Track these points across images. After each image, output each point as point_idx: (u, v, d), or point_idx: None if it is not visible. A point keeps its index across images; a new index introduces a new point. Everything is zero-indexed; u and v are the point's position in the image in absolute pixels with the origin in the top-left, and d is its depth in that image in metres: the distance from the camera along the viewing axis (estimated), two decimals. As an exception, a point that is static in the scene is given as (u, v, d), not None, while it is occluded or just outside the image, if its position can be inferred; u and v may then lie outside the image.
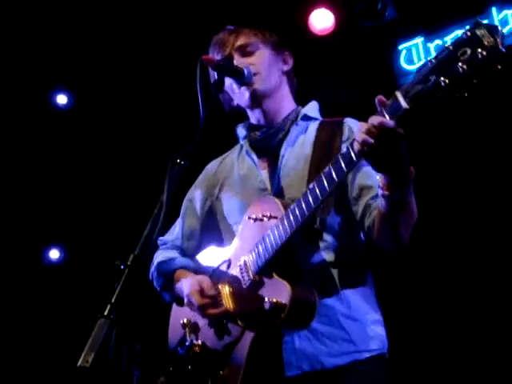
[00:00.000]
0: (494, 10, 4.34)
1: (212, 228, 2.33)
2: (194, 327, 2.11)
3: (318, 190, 1.81)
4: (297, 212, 1.86)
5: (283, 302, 1.84)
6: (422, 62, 1.52)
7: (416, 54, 4.54)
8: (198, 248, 2.37)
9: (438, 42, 4.48)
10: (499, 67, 1.39)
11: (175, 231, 2.41)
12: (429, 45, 4.47)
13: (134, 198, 4.56)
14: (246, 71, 2.14)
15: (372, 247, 2.13)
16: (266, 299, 1.87)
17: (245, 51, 2.22)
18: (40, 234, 4.99)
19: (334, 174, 1.76)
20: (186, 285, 2.12)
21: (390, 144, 1.59)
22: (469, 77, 1.41)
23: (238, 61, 2.18)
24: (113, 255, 1.55)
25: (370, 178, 1.99)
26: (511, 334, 3.97)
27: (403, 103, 1.53)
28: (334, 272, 2.02)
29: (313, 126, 2.20)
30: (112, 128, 4.89)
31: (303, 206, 1.85)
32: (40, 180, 4.92)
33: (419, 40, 4.51)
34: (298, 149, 2.16)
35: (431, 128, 4.17)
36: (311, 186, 1.84)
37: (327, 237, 2.03)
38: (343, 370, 1.96)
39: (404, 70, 4.59)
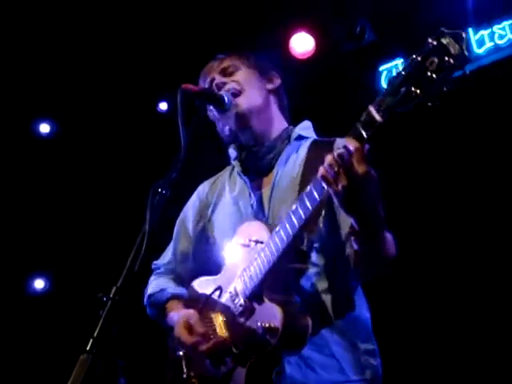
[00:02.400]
0: (470, 30, 4.41)
1: (205, 250, 2.30)
2: (189, 360, 2.08)
3: (301, 211, 1.78)
4: (282, 234, 1.84)
5: (275, 325, 1.82)
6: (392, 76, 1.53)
7: (395, 68, 4.60)
8: (192, 270, 2.33)
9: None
10: (467, 73, 1.43)
11: (168, 255, 2.39)
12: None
13: (118, 225, 4.53)
14: (226, 98, 2.13)
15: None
16: (259, 324, 1.84)
17: (226, 72, 2.22)
18: (24, 263, 4.93)
19: (315, 192, 1.74)
20: (175, 322, 2.10)
21: (355, 172, 1.58)
22: (438, 85, 1.43)
23: (217, 80, 2.19)
24: (98, 284, 1.53)
25: None
26: (508, 340, 3.96)
27: (377, 117, 1.53)
28: (327, 299, 2.00)
29: (304, 146, 2.18)
30: (95, 157, 4.87)
31: (287, 227, 1.83)
32: (24, 208, 4.88)
33: (399, 61, 4.56)
34: (289, 169, 2.13)
35: (427, 131, 4.22)
36: (294, 206, 1.82)
37: (318, 260, 2.01)
38: None
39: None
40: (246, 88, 2.18)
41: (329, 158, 1.61)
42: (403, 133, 4.40)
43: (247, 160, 2.22)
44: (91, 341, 1.39)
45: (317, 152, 2.09)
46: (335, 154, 1.60)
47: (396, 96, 1.49)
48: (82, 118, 4.88)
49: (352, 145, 1.58)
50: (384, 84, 4.60)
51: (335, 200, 1.68)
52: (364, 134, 1.55)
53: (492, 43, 4.37)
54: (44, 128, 4.96)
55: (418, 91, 1.45)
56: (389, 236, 1.83)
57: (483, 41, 4.38)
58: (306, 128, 2.26)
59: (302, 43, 4.65)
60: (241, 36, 4.45)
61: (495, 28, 4.38)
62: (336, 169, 1.60)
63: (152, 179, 1.82)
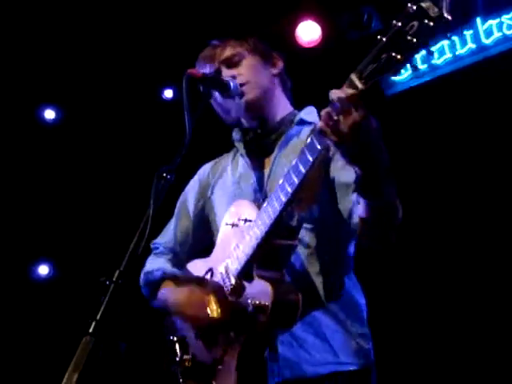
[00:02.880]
0: (478, 20, 4.38)
1: (205, 230, 2.32)
2: (182, 342, 2.10)
3: (287, 185, 1.78)
4: (269, 210, 1.84)
5: (265, 302, 1.82)
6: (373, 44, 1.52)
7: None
8: (191, 249, 2.35)
9: (423, 52, 4.51)
10: (448, 35, 1.44)
11: (168, 233, 2.40)
12: (414, 55, 4.49)
13: (123, 211, 4.54)
14: (232, 84, 2.13)
15: (361, 254, 2.12)
16: (249, 301, 1.85)
17: (231, 62, 2.20)
18: (28, 249, 4.95)
19: (300, 165, 1.74)
20: (169, 298, 2.13)
21: (353, 118, 1.55)
22: (419, 48, 1.45)
23: (225, 73, 2.18)
24: (101, 270, 1.54)
25: (351, 174, 1.85)
26: (507, 340, 3.97)
27: (359, 84, 1.53)
28: (318, 281, 2.00)
29: (306, 130, 2.18)
30: (99, 143, 4.88)
31: (274, 202, 1.82)
32: (28, 195, 4.89)
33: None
34: (289, 151, 2.13)
35: (425, 125, 4.21)
36: (281, 181, 1.81)
37: (310, 241, 2.01)
38: (324, 379, 1.95)
39: (391, 81, 4.61)
40: (252, 77, 2.18)
41: (325, 110, 1.59)
42: (409, 123, 4.40)
43: (251, 142, 2.23)
44: (94, 323, 1.39)
45: None
46: (331, 102, 1.57)
47: (377, 63, 1.50)
48: (87, 104, 4.87)
49: (347, 91, 1.55)
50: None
51: (338, 152, 1.64)
52: (358, 84, 1.53)
53: (500, 33, 4.34)
54: (49, 114, 4.96)
55: (399, 56, 1.46)
56: (395, 199, 1.78)
57: (491, 31, 4.35)
58: (309, 113, 2.25)
59: (308, 32, 4.63)
60: (246, 24, 4.43)
61: (504, 18, 4.35)
62: (335, 117, 1.57)
63: (156, 165, 1.82)
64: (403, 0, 1.46)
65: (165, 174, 1.75)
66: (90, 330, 1.38)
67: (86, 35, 4.60)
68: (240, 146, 2.26)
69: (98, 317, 1.41)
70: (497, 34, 4.34)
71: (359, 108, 1.55)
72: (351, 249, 2.11)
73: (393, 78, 4.61)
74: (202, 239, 2.35)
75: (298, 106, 2.35)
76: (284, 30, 4.60)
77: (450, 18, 1.41)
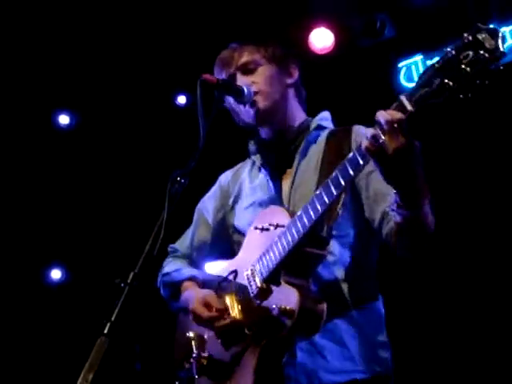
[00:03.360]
0: (492, 27, 4.36)
1: (223, 240, 2.33)
2: (200, 340, 2.10)
3: (324, 196, 1.80)
4: (304, 218, 1.85)
5: (291, 307, 1.82)
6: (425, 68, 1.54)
7: (416, 71, 4.56)
8: (208, 259, 2.36)
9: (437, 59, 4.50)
10: (501, 67, 1.45)
11: (186, 240, 2.41)
12: (428, 62, 4.48)
13: (135, 216, 4.57)
14: (246, 90, 2.14)
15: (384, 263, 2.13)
16: (274, 305, 1.85)
17: (247, 69, 2.21)
18: (41, 253, 4.98)
19: (340, 178, 1.75)
20: (192, 299, 2.12)
21: (400, 139, 1.56)
22: (472, 77, 1.45)
23: (240, 80, 2.19)
24: (115, 274, 1.55)
25: (384, 185, 1.87)
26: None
27: (408, 106, 1.54)
28: (344, 288, 2.01)
29: (323, 136, 2.19)
30: (113, 147, 4.91)
31: (310, 211, 1.84)
32: (42, 199, 4.93)
33: (419, 58, 4.53)
34: (309, 159, 2.15)
35: (451, 127, 4.18)
36: (318, 191, 1.83)
37: (336, 249, 2.02)
38: None
39: (404, 88, 4.61)
40: (266, 87, 2.19)
41: (371, 130, 1.60)
42: (431, 126, 4.38)
43: (268, 153, 2.23)
44: (108, 324, 1.40)
45: (335, 141, 2.11)
46: (378, 123, 1.59)
47: (429, 87, 1.50)
48: (102, 109, 4.91)
49: (395, 115, 1.57)
50: (403, 80, 4.58)
51: (379, 170, 1.66)
52: (408, 106, 1.54)
53: (513, 41, 4.33)
54: (63, 119, 5.00)
55: (451, 83, 1.46)
56: (429, 209, 1.80)
57: (505, 38, 4.32)
58: (324, 118, 2.27)
59: (321, 38, 4.64)
60: (260, 30, 4.45)
61: (517, 25, 4.33)
62: (381, 139, 1.59)
63: (170, 169, 1.84)
64: (460, 31, 1.48)
65: (179, 178, 1.77)
66: (105, 331, 1.39)
67: (101, 41, 4.64)
68: (257, 158, 2.27)
69: (113, 318, 1.41)
70: (510, 41, 4.33)
71: (405, 132, 1.57)
72: (374, 257, 2.12)
73: (405, 84, 4.60)
74: (219, 248, 2.35)
75: (311, 111, 2.36)
76: (297, 37, 4.61)
77: (505, 51, 1.44)
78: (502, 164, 4.17)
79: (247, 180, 2.29)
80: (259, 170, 2.25)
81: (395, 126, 1.55)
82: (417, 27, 4.40)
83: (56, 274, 5.08)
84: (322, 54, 4.64)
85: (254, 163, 2.30)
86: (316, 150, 2.15)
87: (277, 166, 2.21)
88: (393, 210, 1.78)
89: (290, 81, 2.26)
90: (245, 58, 2.23)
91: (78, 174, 4.96)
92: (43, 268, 5.07)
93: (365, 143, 1.62)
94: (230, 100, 2.20)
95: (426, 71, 1.53)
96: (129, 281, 1.49)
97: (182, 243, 2.41)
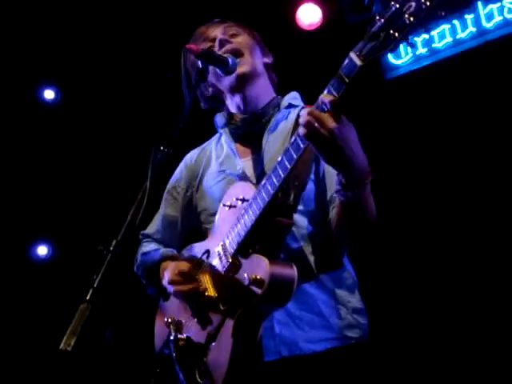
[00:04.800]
0: (479, 4, 4.37)
1: (193, 219, 2.33)
2: (177, 323, 2.12)
3: (286, 161, 1.82)
4: (268, 186, 1.87)
5: (262, 276, 1.83)
6: (370, 21, 1.62)
7: (403, 48, 4.56)
8: (179, 238, 2.37)
9: (424, 36, 4.50)
10: (443, 14, 1.52)
11: (155, 224, 2.41)
12: (415, 39, 4.48)
13: (119, 187, 4.55)
14: (230, 60, 2.13)
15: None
16: (245, 275, 1.87)
17: (229, 32, 2.24)
18: (27, 229, 4.95)
19: (286, 162, 1.79)
20: (170, 275, 2.12)
21: (329, 125, 1.64)
22: (416, 26, 1.53)
23: (223, 37, 2.21)
24: (98, 242, 1.55)
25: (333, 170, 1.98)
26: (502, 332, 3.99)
27: (357, 61, 1.61)
28: (313, 260, 2.03)
29: (293, 113, 2.22)
30: (95, 119, 4.87)
31: (273, 178, 1.85)
32: (26, 175, 4.89)
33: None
34: (279, 135, 2.17)
35: (434, 105, 4.20)
36: (279, 158, 1.84)
37: (304, 223, 2.04)
38: (321, 356, 1.97)
39: (391, 65, 4.61)
40: (248, 52, 2.22)
41: (306, 116, 1.67)
42: (408, 107, 4.40)
43: (237, 126, 2.24)
44: (91, 291, 1.40)
45: None
46: (311, 110, 1.67)
47: (377, 40, 1.57)
48: (87, 84, 4.87)
49: (327, 98, 1.65)
50: (390, 56, 4.57)
51: (318, 155, 1.73)
52: (357, 61, 1.61)
53: (501, 17, 4.33)
54: (48, 94, 4.95)
55: (397, 34, 1.54)
56: (371, 194, 1.85)
57: (492, 14, 4.34)
58: (294, 98, 2.31)
59: (308, 14, 4.61)
60: (247, 6, 4.41)
61: (504, 2, 4.33)
62: (316, 124, 1.66)
63: (152, 137, 1.83)
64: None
65: (162, 147, 1.76)
66: (87, 297, 1.39)
67: (89, 15, 4.58)
68: (225, 131, 2.28)
69: (95, 285, 1.42)
70: (498, 18, 4.33)
71: (337, 115, 1.65)
72: None
73: (393, 61, 4.60)
74: (190, 228, 2.37)
75: (300, 88, 2.38)
76: (284, 13, 4.58)
77: None
78: (492, 145, 4.19)
79: (214, 155, 2.30)
80: (226, 143, 2.26)
81: (326, 108, 1.64)
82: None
83: (42, 251, 5.07)
84: (309, 30, 4.61)
85: (220, 136, 2.32)
86: (285, 127, 2.18)
87: (245, 139, 2.22)
88: (337, 192, 1.82)
89: (267, 60, 2.32)
90: (228, 25, 2.26)
91: (62, 148, 4.92)
92: (29, 244, 5.05)
93: (301, 131, 1.69)
94: (212, 69, 2.17)
95: (371, 26, 1.59)
96: (111, 248, 1.49)
97: (152, 228, 2.41)
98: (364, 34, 1.61)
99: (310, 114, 1.66)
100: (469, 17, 4.42)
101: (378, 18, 1.57)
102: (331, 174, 2.00)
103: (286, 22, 4.58)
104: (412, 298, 4.19)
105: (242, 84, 2.20)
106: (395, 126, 4.40)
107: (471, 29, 4.40)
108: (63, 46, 4.70)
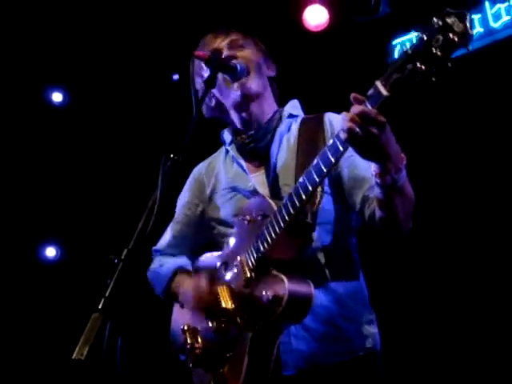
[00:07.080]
0: (487, 3, 4.35)
1: (205, 233, 2.35)
2: (193, 331, 2.13)
3: (307, 183, 1.84)
4: (289, 206, 1.89)
5: (280, 293, 1.86)
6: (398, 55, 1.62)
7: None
8: (190, 252, 2.39)
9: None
10: (469, 49, 1.52)
11: (166, 238, 2.42)
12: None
13: (129, 193, 4.57)
14: (239, 67, 2.13)
15: (363, 245, 2.17)
16: (264, 293, 1.90)
17: (235, 44, 2.22)
18: (36, 231, 4.98)
19: (322, 165, 1.80)
20: (186, 287, 2.17)
21: (373, 130, 1.64)
22: (443, 60, 1.52)
23: (228, 52, 2.18)
24: (109, 251, 1.55)
25: (362, 170, 2.03)
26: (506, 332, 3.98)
27: (383, 91, 1.60)
28: (329, 273, 2.06)
29: (294, 124, 2.23)
30: (107, 125, 4.90)
31: (294, 199, 1.87)
32: (35, 177, 4.92)
33: (413, 35, 4.51)
34: (284, 148, 2.19)
35: (443, 106, 4.19)
36: (301, 179, 1.87)
37: (320, 235, 2.05)
38: (338, 366, 2.01)
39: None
40: (253, 70, 2.20)
41: (350, 115, 1.66)
42: (414, 111, 4.38)
43: (243, 144, 2.25)
44: (103, 300, 1.41)
45: (308, 128, 2.17)
46: (356, 110, 1.66)
47: (402, 72, 1.57)
48: (95, 86, 4.88)
49: (365, 109, 1.64)
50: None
51: (358, 154, 1.72)
52: (384, 91, 1.61)
53: (509, 17, 4.31)
54: (56, 97, 4.98)
55: (424, 67, 1.53)
56: (407, 176, 1.85)
57: (500, 14, 4.32)
58: (294, 107, 2.31)
59: (315, 15, 4.61)
60: (254, 8, 4.42)
61: (512, 2, 4.31)
62: (357, 129, 1.65)
63: (162, 145, 1.84)
64: (430, 14, 1.54)
65: (172, 155, 1.77)
66: (100, 307, 1.40)
67: (96, 17, 4.60)
68: (232, 148, 2.29)
69: (107, 294, 1.43)
70: (505, 18, 4.32)
71: (377, 122, 1.64)
72: (354, 240, 2.17)
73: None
74: (200, 242, 2.39)
75: (306, 90, 2.38)
76: (291, 14, 4.58)
77: (472, 33, 1.51)
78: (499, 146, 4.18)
79: (223, 171, 2.30)
80: (235, 160, 2.27)
81: (367, 119, 1.63)
82: (412, 4, 4.37)
83: (51, 252, 5.10)
84: (316, 31, 4.61)
85: (227, 153, 2.32)
86: (290, 139, 2.19)
87: (252, 155, 2.23)
88: (377, 184, 1.81)
89: (271, 74, 2.31)
90: (233, 36, 2.24)
91: (72, 151, 4.94)
92: (38, 246, 5.07)
93: (342, 135, 1.69)
94: (221, 77, 2.17)
95: (398, 58, 1.59)
96: (122, 257, 1.50)
97: (164, 243, 2.42)
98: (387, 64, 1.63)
99: (352, 119, 1.65)
100: (476, 17, 4.40)
101: (404, 49, 1.58)
102: (358, 177, 2.03)
103: (292, 24, 4.58)
104: (418, 304, 4.18)
105: (247, 103, 2.21)
106: (399, 128, 4.39)
107: (479, 29, 4.38)
108: (72, 49, 4.72)
